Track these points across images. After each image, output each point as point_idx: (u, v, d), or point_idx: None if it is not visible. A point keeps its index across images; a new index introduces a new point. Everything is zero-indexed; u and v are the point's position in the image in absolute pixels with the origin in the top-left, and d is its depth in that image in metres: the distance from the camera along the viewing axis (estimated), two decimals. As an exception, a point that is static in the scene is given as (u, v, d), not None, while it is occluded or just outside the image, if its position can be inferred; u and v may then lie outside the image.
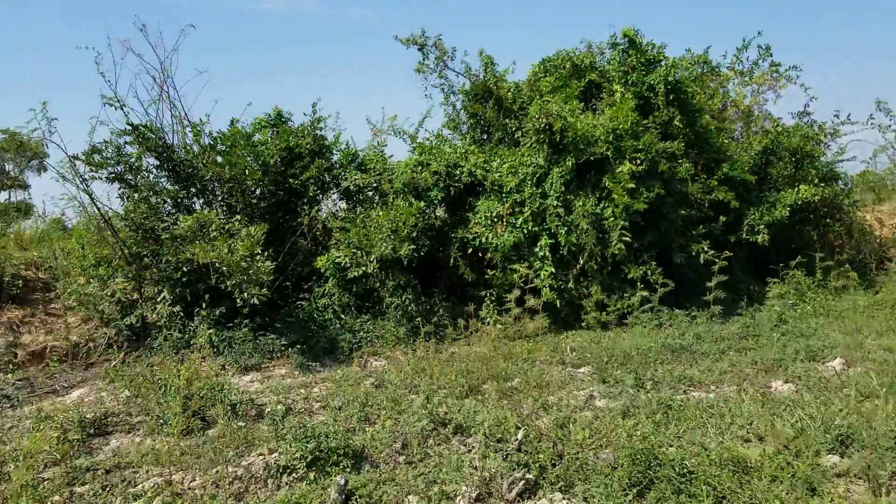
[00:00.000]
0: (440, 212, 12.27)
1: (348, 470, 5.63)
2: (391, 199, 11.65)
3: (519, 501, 5.19)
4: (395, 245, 10.50)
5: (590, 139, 11.22)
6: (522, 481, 5.25)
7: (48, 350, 10.39)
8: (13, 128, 9.74)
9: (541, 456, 5.62)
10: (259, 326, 10.28)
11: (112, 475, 5.77)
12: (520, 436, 5.90)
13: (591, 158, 11.24)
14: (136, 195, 10.87)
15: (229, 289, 9.76)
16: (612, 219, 10.99)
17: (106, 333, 10.66)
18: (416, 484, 5.41)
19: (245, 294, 9.55)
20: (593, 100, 13.42)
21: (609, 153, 11.17)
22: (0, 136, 10.15)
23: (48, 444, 5.89)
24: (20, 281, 12.25)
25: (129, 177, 10.96)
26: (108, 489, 5.46)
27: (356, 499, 5.04)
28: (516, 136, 12.98)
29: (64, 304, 11.84)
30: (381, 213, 10.93)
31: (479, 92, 13.63)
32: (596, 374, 8.42)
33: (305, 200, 11.70)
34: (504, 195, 11.57)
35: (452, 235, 11.80)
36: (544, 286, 11.06)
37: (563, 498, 5.18)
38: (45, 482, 5.44)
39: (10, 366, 9.73)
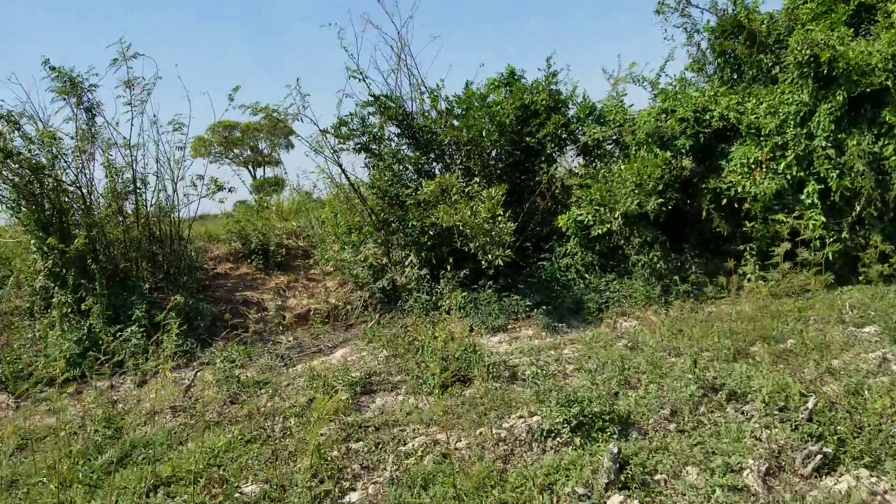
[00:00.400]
0: (687, 162, 11.36)
1: (615, 437, 5.33)
2: (633, 151, 10.99)
3: (816, 477, 4.63)
4: (640, 200, 9.88)
5: (864, 69, 9.75)
6: (819, 455, 4.67)
7: (311, 312, 11.18)
8: (271, 105, 10.48)
9: (839, 427, 4.98)
10: (502, 287, 10.26)
11: (381, 432, 5.94)
12: (810, 404, 5.25)
13: (867, 91, 9.78)
14: (380, 164, 11.26)
15: (473, 251, 9.80)
16: (893, 158, 9.52)
17: (361, 296, 11.25)
18: (694, 454, 5.01)
19: (489, 255, 9.52)
20: (864, 24, 11.67)
21: (889, 83, 9.64)
22: (259, 115, 11.00)
23: (336, 404, 6.19)
24: (283, 249, 13.34)
25: (374, 146, 11.36)
26: (380, 446, 5.63)
27: (630, 468, 4.72)
28: (773, 72, 11.64)
29: (322, 269, 12.70)
30: (623, 167, 10.35)
31: (727, 27, 12.35)
32: (885, 334, 7.40)
33: (543, 158, 11.41)
34: (762, 139, 10.44)
35: (703, 186, 10.89)
36: (814, 237, 9.87)
37: (871, 475, 4.54)
38: (323, 437, 5.71)
39: (280, 327, 10.57)
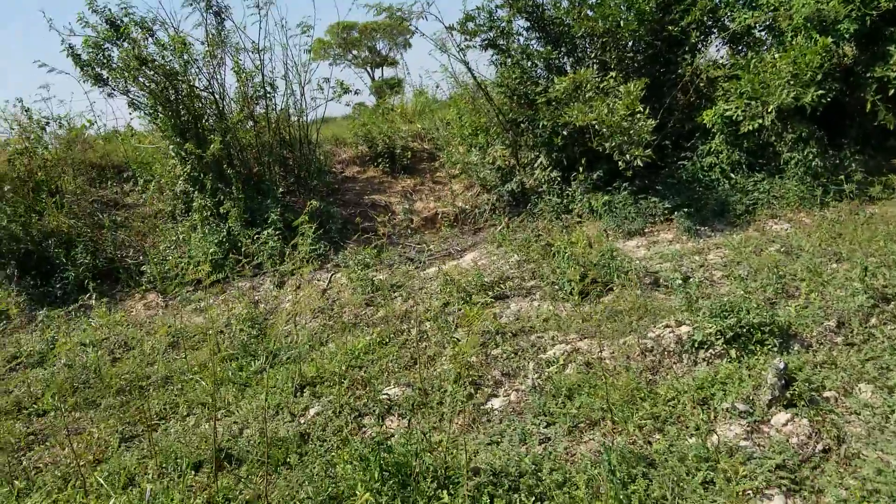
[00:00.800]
0: (848, 48, 10.09)
1: (775, 350, 4.90)
2: (789, 38, 9.86)
3: None
4: (797, 92, 8.90)
5: None
6: None
7: (439, 216, 11.05)
8: (395, 4, 10.09)
9: None
10: (638, 189, 9.69)
11: (519, 339, 5.77)
12: None
13: None
14: (508, 60, 10.71)
15: (608, 151, 9.22)
16: None
17: (488, 199, 10.98)
18: (866, 370, 4.55)
19: (626, 155, 8.93)
20: None
21: None
22: (382, 14, 10.65)
23: (485, 316, 6.07)
24: (409, 152, 13.18)
25: (501, 42, 10.78)
26: (518, 353, 5.46)
27: (796, 384, 4.32)
28: (958, -61, 10.02)
29: (448, 172, 12.48)
30: (778, 56, 9.32)
31: None
32: None
33: (686, 49, 10.44)
34: (942, 18, 9.11)
35: (868, 75, 9.67)
36: None
37: None
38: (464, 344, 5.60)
39: (409, 230, 10.53)
